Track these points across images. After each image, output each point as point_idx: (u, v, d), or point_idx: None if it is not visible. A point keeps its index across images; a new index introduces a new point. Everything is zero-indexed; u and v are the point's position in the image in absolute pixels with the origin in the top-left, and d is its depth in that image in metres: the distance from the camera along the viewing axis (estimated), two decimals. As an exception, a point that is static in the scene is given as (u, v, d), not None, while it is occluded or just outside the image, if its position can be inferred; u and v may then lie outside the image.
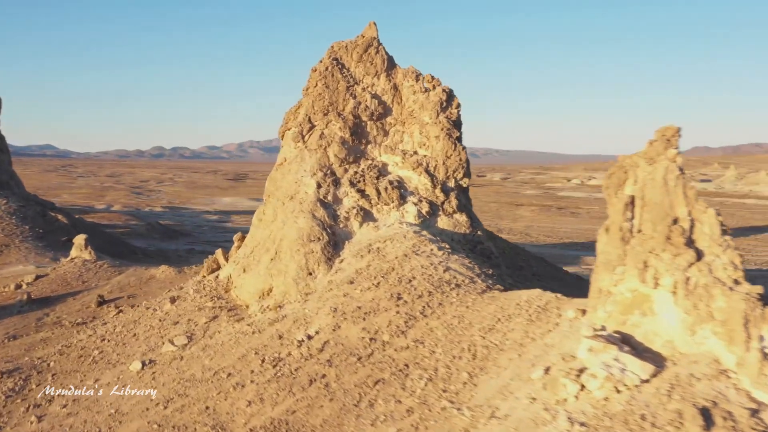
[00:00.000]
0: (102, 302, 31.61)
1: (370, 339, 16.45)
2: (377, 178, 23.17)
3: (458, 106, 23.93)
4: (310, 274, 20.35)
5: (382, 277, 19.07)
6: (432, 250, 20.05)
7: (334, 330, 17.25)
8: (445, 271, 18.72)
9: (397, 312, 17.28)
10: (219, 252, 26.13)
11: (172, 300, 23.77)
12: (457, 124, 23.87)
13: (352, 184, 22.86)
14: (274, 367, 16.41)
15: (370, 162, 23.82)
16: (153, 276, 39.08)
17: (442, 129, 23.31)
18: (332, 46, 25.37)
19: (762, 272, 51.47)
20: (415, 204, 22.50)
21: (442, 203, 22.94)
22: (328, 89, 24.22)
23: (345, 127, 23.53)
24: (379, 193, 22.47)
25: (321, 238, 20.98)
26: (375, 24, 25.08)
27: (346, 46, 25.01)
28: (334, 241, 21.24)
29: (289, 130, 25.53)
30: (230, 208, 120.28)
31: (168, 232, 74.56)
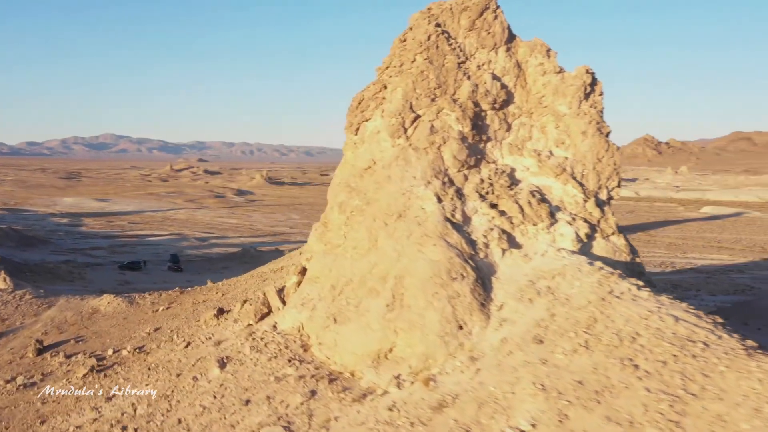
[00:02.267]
0: (42, 350, 25.74)
1: (629, 436, 11.87)
2: (509, 188, 18.52)
3: (601, 93, 19.76)
4: (461, 327, 15.41)
5: (585, 332, 14.51)
6: (630, 290, 15.73)
7: (560, 421, 12.52)
8: (675, 322, 14.43)
9: (647, 390, 12.81)
10: (270, 291, 20.33)
11: (221, 364, 17.93)
12: (603, 116, 19.67)
13: (480, 196, 18.08)
14: (492, 488, 11.48)
15: (493, 166, 19.11)
16: (96, 309, 33.11)
17: (589, 122, 19.05)
18: (429, 8, 20.37)
19: (684, 274, 51.38)
20: (570, 223, 18.06)
21: (598, 222, 18.64)
22: (433, 66, 19.26)
23: (464, 118, 18.68)
24: (521, 209, 17.82)
25: (465, 274, 16.08)
26: (490, -20, 20.37)
27: (451, 9, 20.11)
28: (480, 277, 16.38)
29: (367, 121, 20.30)
30: (76, 209, 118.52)
31: (24, 239, 71.80)
